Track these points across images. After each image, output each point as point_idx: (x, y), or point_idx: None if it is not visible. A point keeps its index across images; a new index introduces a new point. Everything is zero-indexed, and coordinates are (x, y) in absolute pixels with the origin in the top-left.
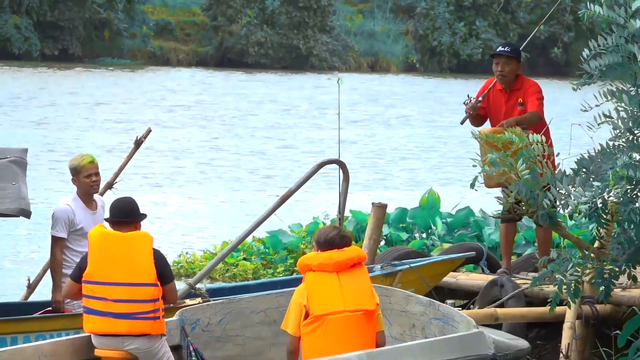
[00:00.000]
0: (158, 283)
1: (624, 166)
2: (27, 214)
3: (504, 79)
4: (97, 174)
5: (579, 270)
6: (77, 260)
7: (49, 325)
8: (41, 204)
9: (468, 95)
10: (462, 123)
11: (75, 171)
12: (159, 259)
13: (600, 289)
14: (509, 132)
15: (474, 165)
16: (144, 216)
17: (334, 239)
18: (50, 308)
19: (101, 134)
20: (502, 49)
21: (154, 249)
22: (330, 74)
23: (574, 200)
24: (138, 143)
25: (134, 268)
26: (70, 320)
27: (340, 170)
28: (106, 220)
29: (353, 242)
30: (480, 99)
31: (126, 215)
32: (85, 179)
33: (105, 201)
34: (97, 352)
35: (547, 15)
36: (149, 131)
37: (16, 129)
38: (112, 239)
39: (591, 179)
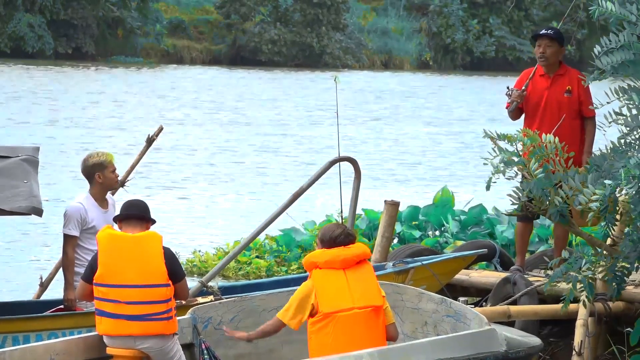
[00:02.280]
0: (170, 282)
1: (637, 165)
2: (38, 212)
3: (545, 61)
4: (116, 169)
5: (592, 267)
6: (89, 258)
7: (61, 323)
8: (54, 203)
9: (508, 87)
10: (511, 110)
11: (102, 166)
12: (169, 257)
13: (612, 285)
14: (520, 133)
15: (484, 164)
16: (154, 221)
17: (338, 237)
18: (62, 306)
19: (113, 132)
20: (545, 31)
21: (163, 247)
22: (341, 72)
23: (585, 197)
24: (150, 141)
25: (145, 269)
26: (83, 319)
27: (352, 168)
28: (116, 217)
29: (367, 240)
30: (524, 88)
31: (139, 211)
32: (111, 173)
33: (115, 200)
34: (109, 351)
35: (565, 15)
36: (160, 129)
37: (28, 127)
38: (121, 241)
39: (602, 177)
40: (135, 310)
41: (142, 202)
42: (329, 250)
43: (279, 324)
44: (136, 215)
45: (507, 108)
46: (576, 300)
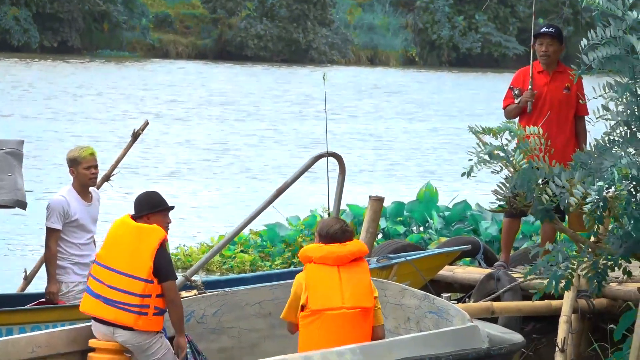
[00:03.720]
0: (154, 280)
1: (627, 165)
2: (22, 205)
3: (547, 60)
4: (96, 166)
5: (574, 263)
6: (72, 251)
7: (45, 316)
8: (37, 196)
9: (511, 87)
10: (529, 112)
11: (75, 162)
12: (160, 257)
13: (593, 282)
14: (504, 124)
15: (470, 159)
16: (169, 208)
17: (336, 233)
18: (43, 299)
19: (98, 126)
20: (547, 29)
21: (160, 246)
22: (327, 68)
23: (575, 198)
24: (135, 135)
25: (132, 259)
26: (67, 312)
27: (337, 163)
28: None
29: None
30: (530, 87)
31: (135, 207)
32: (85, 170)
33: (100, 193)
34: (91, 343)
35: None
36: (146, 124)
37: (13, 121)
38: (125, 228)
39: (590, 175)
40: (112, 295)
41: (149, 195)
42: (325, 246)
43: (288, 323)
44: (140, 214)
45: (504, 108)
46: (553, 297)
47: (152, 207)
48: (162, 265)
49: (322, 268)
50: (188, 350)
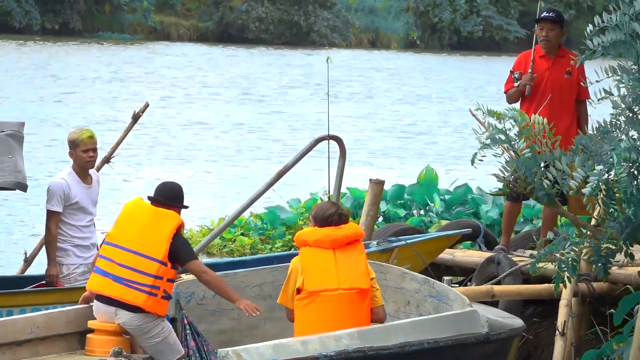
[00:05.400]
0: (168, 263)
1: (627, 149)
2: (23, 187)
3: (548, 44)
4: (94, 149)
5: (577, 248)
6: (73, 233)
7: (45, 298)
8: (38, 178)
9: (512, 71)
10: (528, 94)
11: (74, 144)
12: (177, 241)
13: (598, 266)
14: (509, 111)
15: (476, 138)
16: (184, 207)
17: (332, 217)
18: (44, 282)
19: (99, 108)
20: (547, 14)
21: (177, 232)
22: (328, 50)
23: (576, 181)
24: (135, 117)
25: (147, 240)
26: (67, 294)
27: (337, 146)
28: (149, 197)
29: (351, 219)
30: (530, 71)
31: (165, 196)
32: (83, 153)
33: (100, 176)
34: (90, 324)
35: None
36: (146, 106)
37: (14, 103)
38: (142, 209)
39: (592, 160)
40: (123, 274)
41: (173, 187)
42: (320, 230)
43: (286, 310)
44: (158, 200)
45: (505, 92)
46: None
47: (171, 200)
48: (180, 248)
49: (317, 251)
50: (188, 332)
